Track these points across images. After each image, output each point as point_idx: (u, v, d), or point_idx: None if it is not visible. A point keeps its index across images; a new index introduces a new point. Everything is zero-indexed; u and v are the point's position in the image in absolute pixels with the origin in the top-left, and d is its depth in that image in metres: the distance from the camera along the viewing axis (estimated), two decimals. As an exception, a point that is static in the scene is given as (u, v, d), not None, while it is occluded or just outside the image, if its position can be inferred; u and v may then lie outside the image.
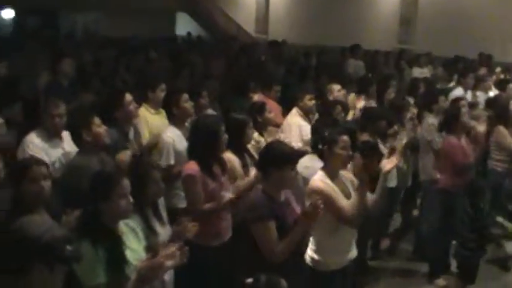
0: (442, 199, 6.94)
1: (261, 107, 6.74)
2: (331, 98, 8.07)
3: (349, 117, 7.79)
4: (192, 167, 4.97)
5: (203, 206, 4.92)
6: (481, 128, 7.67)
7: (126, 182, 3.69)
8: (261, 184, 4.40)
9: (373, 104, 8.31)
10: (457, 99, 7.93)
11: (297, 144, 6.75)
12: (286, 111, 7.82)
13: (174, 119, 6.24)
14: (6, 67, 8.79)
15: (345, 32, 18.06)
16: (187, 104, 6.27)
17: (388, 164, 4.75)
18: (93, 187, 3.72)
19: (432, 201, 7.19)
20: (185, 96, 6.28)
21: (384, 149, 6.45)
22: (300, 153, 5.34)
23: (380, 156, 4.87)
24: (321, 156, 4.91)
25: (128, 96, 6.11)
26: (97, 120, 5.21)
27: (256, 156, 5.57)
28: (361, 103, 8.23)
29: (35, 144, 5.50)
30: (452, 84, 11.11)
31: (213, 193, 4.94)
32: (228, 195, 4.95)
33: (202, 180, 4.91)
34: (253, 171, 5.01)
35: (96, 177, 3.80)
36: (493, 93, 10.35)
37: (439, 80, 11.87)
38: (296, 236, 4.18)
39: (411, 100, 8.47)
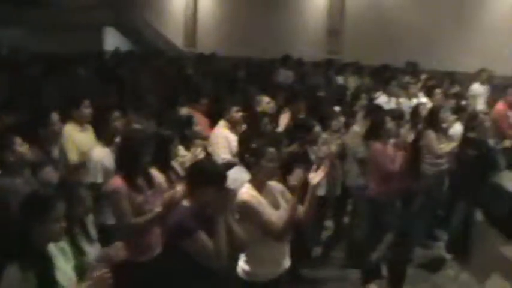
0: (370, 207, 7.05)
1: (188, 121, 6.74)
2: (259, 109, 8.12)
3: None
4: (116, 181, 4.96)
5: (130, 221, 4.88)
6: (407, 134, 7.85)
7: (61, 206, 3.62)
8: (188, 200, 4.38)
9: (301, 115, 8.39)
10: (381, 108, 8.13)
11: (225, 156, 6.77)
12: (215, 124, 7.82)
13: (104, 136, 6.17)
14: None
15: (273, 43, 18.18)
16: (117, 122, 6.22)
17: (316, 176, 4.75)
18: (26, 209, 3.61)
19: (361, 209, 7.31)
20: (115, 113, 6.23)
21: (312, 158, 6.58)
22: (228, 168, 5.35)
23: (310, 166, 4.91)
24: (248, 168, 4.92)
25: (55, 116, 6.04)
26: (18, 140, 5.11)
27: (180, 172, 5.58)
28: (287, 115, 8.29)
29: None
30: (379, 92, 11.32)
31: (140, 207, 4.92)
32: (155, 209, 4.92)
33: (128, 195, 4.88)
34: (178, 188, 4.99)
35: (31, 199, 3.69)
36: (416, 100, 10.61)
37: (367, 89, 12.08)
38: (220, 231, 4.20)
39: (338, 109, 8.61)
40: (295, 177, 4.67)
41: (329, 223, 8.26)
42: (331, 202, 7.66)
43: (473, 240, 7.73)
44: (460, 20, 16.20)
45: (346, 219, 8.33)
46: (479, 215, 7.82)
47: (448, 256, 7.98)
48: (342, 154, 7.54)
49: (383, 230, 6.94)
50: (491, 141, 8.85)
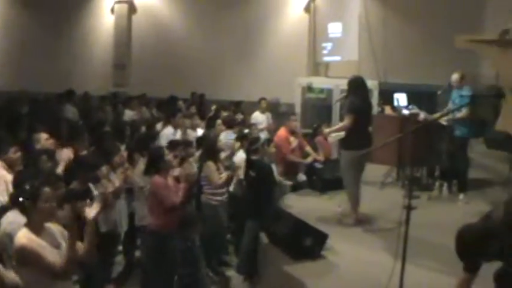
0: (152, 241, 7.02)
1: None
2: (38, 147, 7.84)
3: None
4: None
5: None
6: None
7: None
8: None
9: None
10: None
11: (4, 198, 6.45)
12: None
13: None
14: None
15: (59, 77, 17.72)
16: None
17: (91, 210, 4.69)
18: None
19: (145, 243, 7.33)
20: None
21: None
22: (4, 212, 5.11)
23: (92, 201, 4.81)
24: (23, 210, 4.70)
25: None
26: None
27: None
28: (70, 153, 8.09)
29: None
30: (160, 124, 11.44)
31: None
32: None
33: None
34: None
35: None
36: (202, 130, 10.87)
37: (155, 120, 12.13)
38: None
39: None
40: (63, 215, 4.55)
41: (120, 259, 8.15)
42: (120, 237, 7.57)
43: (261, 261, 7.99)
44: (244, 51, 17.09)
45: (138, 253, 8.25)
46: (264, 237, 8.13)
47: (240, 278, 8.15)
48: (130, 189, 7.52)
49: (169, 263, 6.95)
50: (274, 167, 9.30)
